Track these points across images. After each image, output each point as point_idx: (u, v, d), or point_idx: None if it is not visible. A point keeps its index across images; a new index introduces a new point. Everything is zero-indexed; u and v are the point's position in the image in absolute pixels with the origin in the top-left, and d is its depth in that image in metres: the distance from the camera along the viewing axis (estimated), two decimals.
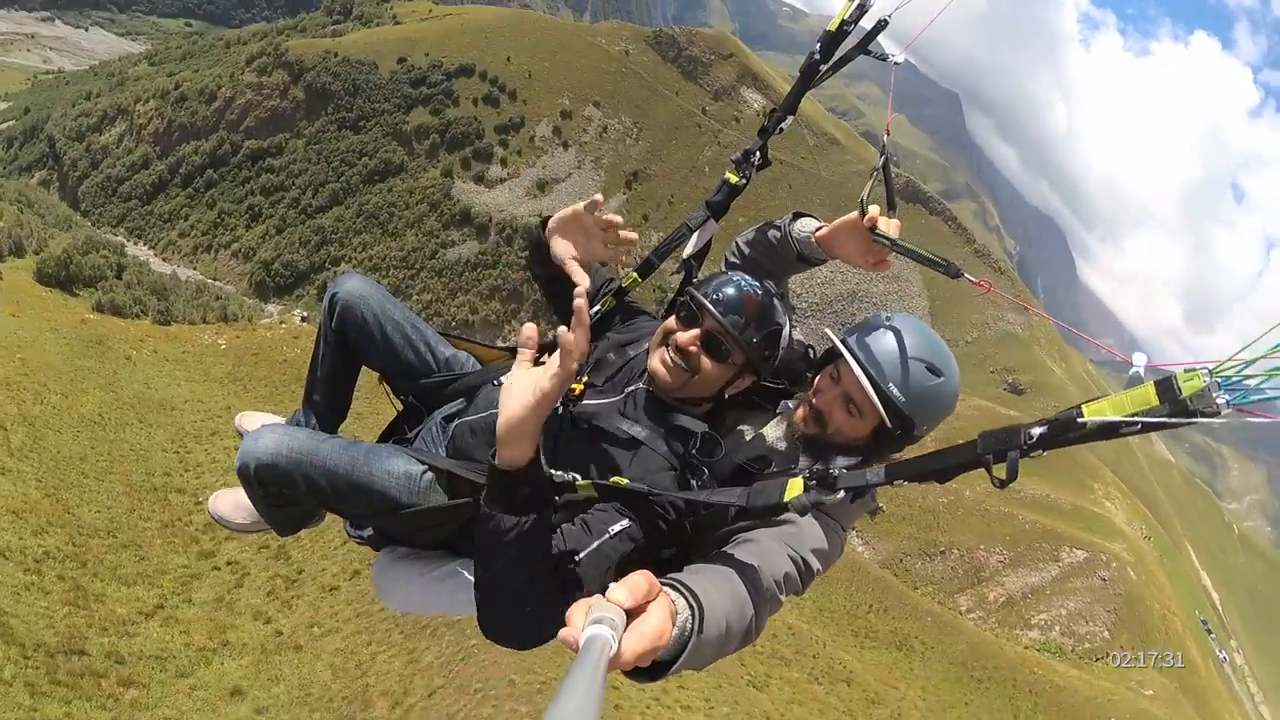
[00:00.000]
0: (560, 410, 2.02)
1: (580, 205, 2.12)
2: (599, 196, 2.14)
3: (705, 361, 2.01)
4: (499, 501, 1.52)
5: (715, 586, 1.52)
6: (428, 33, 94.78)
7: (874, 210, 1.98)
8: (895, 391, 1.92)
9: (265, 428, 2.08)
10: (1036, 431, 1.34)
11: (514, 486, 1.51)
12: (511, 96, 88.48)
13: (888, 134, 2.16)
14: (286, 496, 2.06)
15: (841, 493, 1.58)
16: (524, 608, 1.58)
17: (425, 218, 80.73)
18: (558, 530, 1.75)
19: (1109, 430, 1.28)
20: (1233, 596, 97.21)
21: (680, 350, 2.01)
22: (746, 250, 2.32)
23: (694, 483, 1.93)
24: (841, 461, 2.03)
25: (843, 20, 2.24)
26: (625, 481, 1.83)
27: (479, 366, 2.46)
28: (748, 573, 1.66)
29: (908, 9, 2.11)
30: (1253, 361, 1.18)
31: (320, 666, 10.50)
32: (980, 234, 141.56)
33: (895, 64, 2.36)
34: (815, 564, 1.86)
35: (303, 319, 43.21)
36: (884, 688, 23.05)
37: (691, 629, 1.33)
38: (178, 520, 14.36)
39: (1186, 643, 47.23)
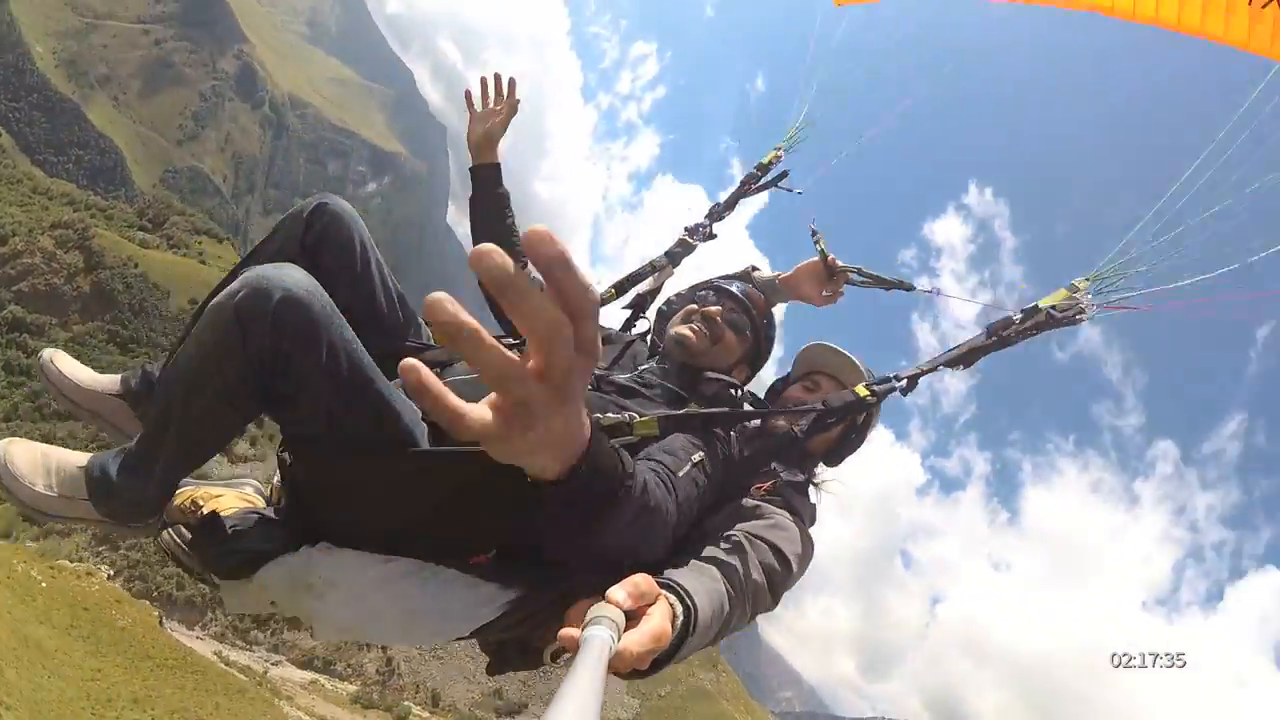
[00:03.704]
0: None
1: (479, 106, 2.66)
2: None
3: (728, 332, 2.30)
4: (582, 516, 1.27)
5: (704, 587, 1.54)
6: None
7: (831, 255, 2.61)
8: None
9: (289, 265, 1.65)
10: (906, 375, 2.00)
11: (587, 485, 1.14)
12: None
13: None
14: (279, 368, 1.59)
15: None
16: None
17: None
18: (649, 465, 1.71)
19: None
20: None
21: (707, 319, 2.28)
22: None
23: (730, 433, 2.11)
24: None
25: (766, 162, 3.07)
26: (698, 408, 1.96)
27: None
28: (731, 573, 1.69)
29: None
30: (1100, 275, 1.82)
31: None
32: None
33: (799, 194, 3.05)
34: (795, 566, 1.91)
35: None
36: None
37: (685, 630, 1.33)
38: None
39: None
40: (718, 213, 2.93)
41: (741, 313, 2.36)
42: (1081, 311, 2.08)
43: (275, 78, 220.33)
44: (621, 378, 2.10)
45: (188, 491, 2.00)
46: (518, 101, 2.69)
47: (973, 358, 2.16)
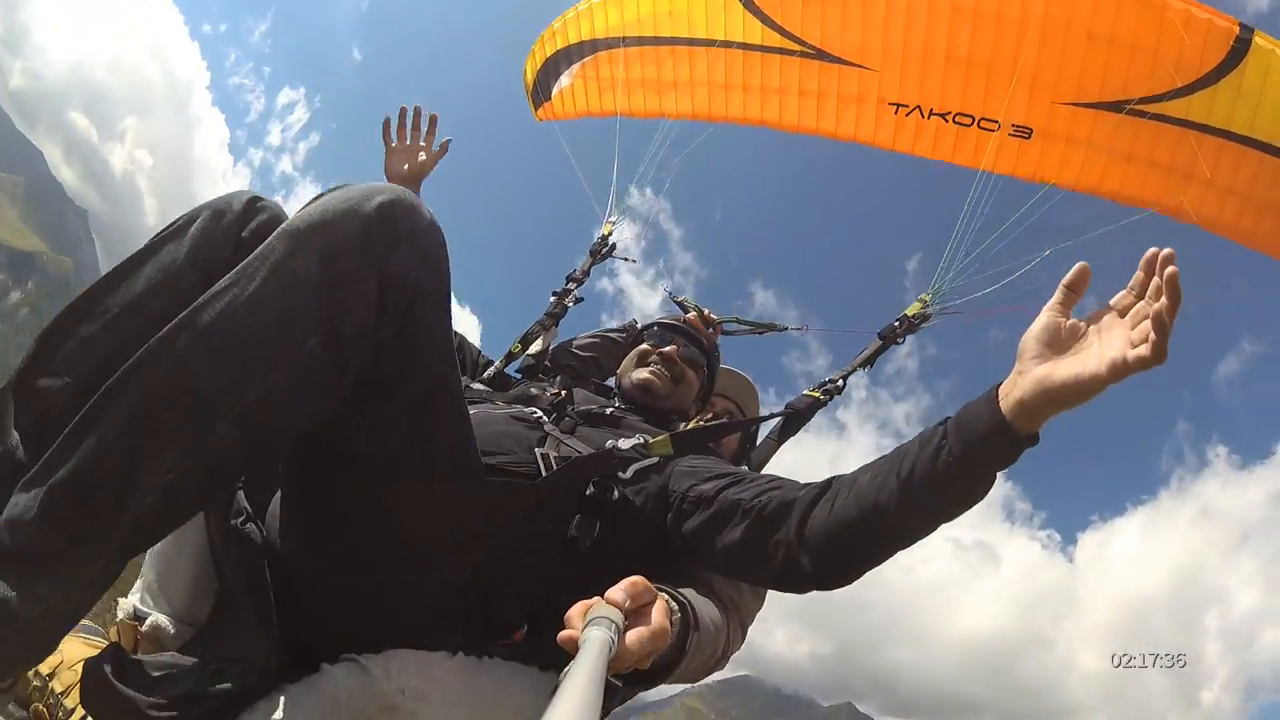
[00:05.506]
0: (553, 414, 1.93)
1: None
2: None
3: (688, 370, 2.28)
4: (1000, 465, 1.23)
5: (695, 594, 1.52)
6: None
7: (706, 310, 2.71)
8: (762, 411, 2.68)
9: None
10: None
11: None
12: None
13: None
14: (405, 325, 1.23)
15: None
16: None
17: None
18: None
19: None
20: None
21: (666, 360, 2.25)
22: (582, 353, 2.59)
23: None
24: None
25: (605, 234, 3.23)
26: (703, 421, 1.98)
27: None
28: (707, 583, 1.72)
29: None
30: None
31: None
32: None
33: (633, 261, 3.31)
34: (753, 603, 1.93)
35: None
36: None
37: (685, 628, 1.33)
38: None
39: None
40: (578, 278, 3.04)
41: (696, 348, 2.37)
42: (928, 316, 2.70)
43: None
44: (602, 413, 2.04)
45: None
46: (449, 142, 2.66)
47: (874, 358, 2.65)
